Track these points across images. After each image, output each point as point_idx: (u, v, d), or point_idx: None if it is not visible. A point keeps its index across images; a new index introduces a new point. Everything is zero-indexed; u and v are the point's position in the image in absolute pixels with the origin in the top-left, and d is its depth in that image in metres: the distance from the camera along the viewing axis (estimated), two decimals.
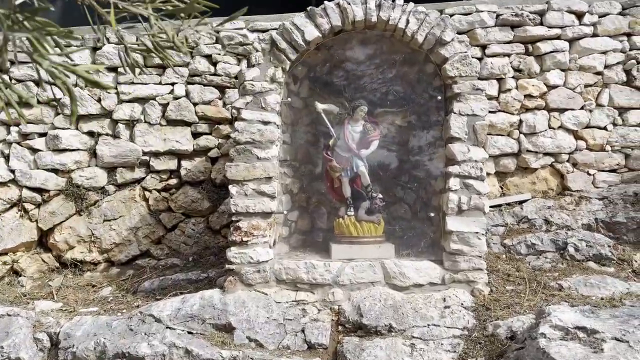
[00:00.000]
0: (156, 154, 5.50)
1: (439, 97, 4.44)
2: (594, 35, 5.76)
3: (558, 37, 5.73)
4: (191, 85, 5.53)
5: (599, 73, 5.76)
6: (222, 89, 5.55)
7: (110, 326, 3.93)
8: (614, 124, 5.79)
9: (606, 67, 5.76)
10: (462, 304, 4.05)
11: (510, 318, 3.80)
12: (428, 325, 3.86)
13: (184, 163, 5.52)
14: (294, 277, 4.20)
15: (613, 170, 5.78)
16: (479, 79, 4.31)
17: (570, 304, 4.01)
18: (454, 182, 4.25)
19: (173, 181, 5.52)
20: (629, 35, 5.80)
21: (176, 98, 5.50)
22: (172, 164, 5.51)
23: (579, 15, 5.77)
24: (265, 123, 4.24)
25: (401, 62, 4.66)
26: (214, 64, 5.56)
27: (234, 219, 4.21)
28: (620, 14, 5.80)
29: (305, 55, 4.48)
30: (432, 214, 4.42)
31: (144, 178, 5.55)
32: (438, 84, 4.53)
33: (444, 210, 4.28)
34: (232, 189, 4.21)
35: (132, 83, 5.54)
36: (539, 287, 4.35)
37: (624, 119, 5.78)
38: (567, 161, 5.75)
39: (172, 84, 5.54)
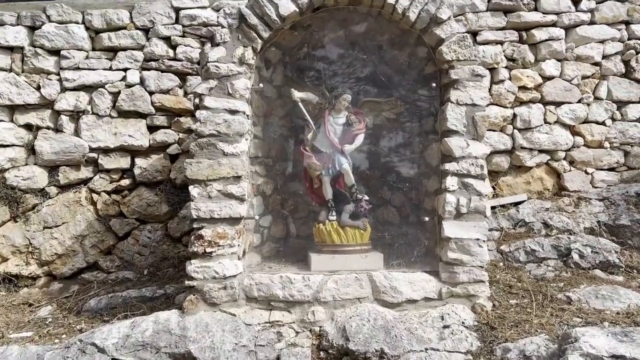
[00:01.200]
0: (106, 151, 4.77)
1: (434, 85, 3.87)
2: (592, 22, 5.32)
3: (554, 24, 5.27)
4: (147, 71, 4.82)
5: (596, 64, 5.33)
6: (182, 75, 4.86)
7: (41, 359, 3.21)
8: (613, 119, 5.36)
9: (604, 57, 5.33)
10: (463, 322, 3.49)
11: (521, 340, 3.25)
12: (426, 349, 3.28)
13: (139, 161, 4.80)
14: (267, 294, 3.56)
15: (612, 169, 5.35)
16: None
17: (585, 320, 3.50)
18: (451, 182, 3.68)
19: (126, 182, 4.80)
20: (627, 23, 5.39)
21: (129, 86, 4.78)
22: (124, 162, 4.79)
23: (576, 1, 5.33)
24: (233, 112, 3.59)
25: (390, 44, 4.08)
26: (174, 47, 4.86)
27: (195, 225, 3.54)
28: (618, 0, 5.38)
29: (280, 36, 3.85)
30: (426, 218, 3.85)
31: (91, 178, 4.81)
32: (432, 70, 3.97)
33: (440, 214, 3.72)
34: (193, 190, 3.54)
35: (78, 68, 4.79)
36: (546, 300, 3.83)
37: (622, 113, 5.36)
38: (564, 159, 5.30)
39: (125, 69, 4.82)
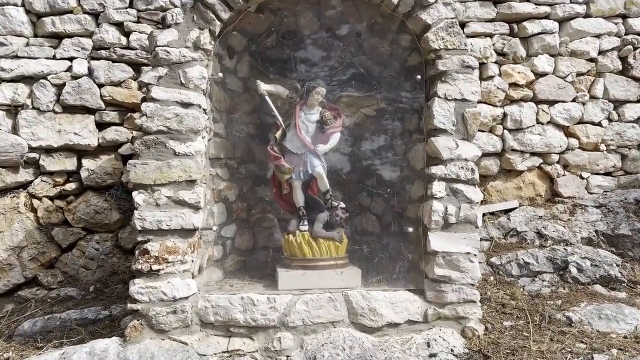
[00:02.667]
0: (48, 150, 4.20)
1: (418, 77, 3.40)
2: (587, 15, 4.93)
3: (547, 16, 4.86)
4: (96, 61, 4.27)
5: (592, 60, 4.93)
6: (137, 66, 4.32)
7: None
8: (609, 120, 4.97)
9: (600, 53, 4.93)
10: (452, 350, 3.03)
11: None
12: None
13: (86, 162, 4.24)
14: (225, 319, 3.04)
15: (608, 174, 4.96)
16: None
17: (590, 346, 3.07)
18: (438, 187, 3.22)
19: (71, 186, 4.23)
20: (624, 17, 5.00)
21: (76, 77, 4.21)
22: (69, 164, 4.22)
23: None
24: (186, 105, 3.07)
25: (369, 31, 3.61)
26: (127, 34, 4.31)
27: (139, 238, 3.02)
28: None
29: (244, 20, 3.36)
30: (409, 229, 3.37)
31: (31, 182, 4.23)
32: (416, 61, 3.51)
33: (426, 224, 3.25)
34: (138, 196, 3.01)
35: (16, 57, 4.21)
36: (544, 322, 3.39)
37: (619, 113, 4.97)
38: (558, 162, 4.88)
39: (71, 58, 4.25)
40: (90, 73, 4.23)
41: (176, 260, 3.01)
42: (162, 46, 3.05)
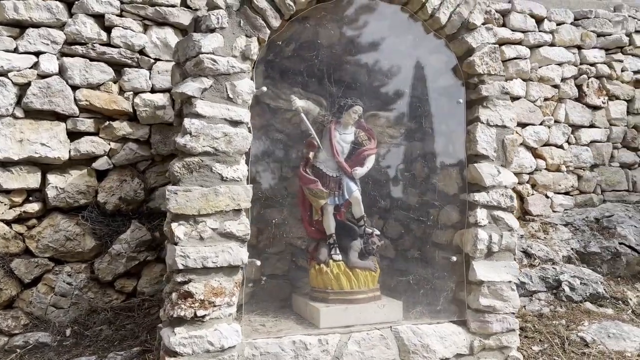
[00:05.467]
0: (5, 164, 3.41)
1: (460, 101, 3.31)
2: (552, 44, 5.25)
3: (520, 42, 5.09)
4: (69, 57, 3.56)
5: (556, 86, 5.26)
6: (119, 67, 3.69)
7: None
8: (569, 143, 5.34)
9: (562, 80, 5.28)
10: None
11: None
12: None
13: (53, 178, 3.51)
14: None
15: (567, 193, 5.32)
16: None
17: None
18: (481, 215, 3.16)
19: (33, 206, 3.49)
20: (579, 47, 5.41)
21: (43, 76, 3.46)
22: (32, 180, 3.47)
23: (539, 20, 5.22)
24: (235, 124, 2.66)
25: (406, 49, 3.44)
26: (108, 29, 3.66)
27: (179, 279, 2.54)
28: (572, 24, 5.38)
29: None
30: (454, 258, 3.25)
31: None
32: (447, 84, 3.42)
33: (468, 253, 3.17)
34: (178, 229, 2.53)
35: None
36: (565, 344, 3.50)
37: (576, 137, 5.36)
38: (527, 182, 5.13)
39: (37, 53, 3.49)
40: (62, 72, 3.51)
41: (223, 302, 2.59)
42: (208, 53, 2.60)
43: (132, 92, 3.68)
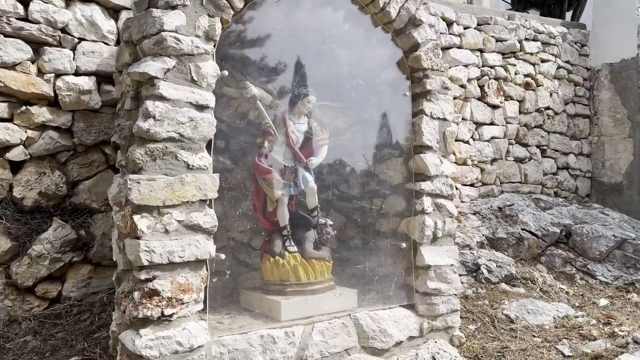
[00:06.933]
0: None
1: (407, 94, 3.43)
2: (460, 47, 5.64)
3: None
4: None
5: (463, 86, 5.66)
6: (38, 45, 3.27)
7: None
8: (473, 139, 5.78)
9: (468, 80, 5.70)
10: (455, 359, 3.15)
11: None
12: None
13: None
14: None
15: (472, 185, 5.76)
16: None
17: (544, 338, 3.55)
18: (427, 203, 3.31)
19: None
20: (481, 51, 5.88)
21: None
22: None
23: (449, 24, 5.58)
24: (201, 108, 2.50)
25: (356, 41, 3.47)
26: (25, 3, 3.22)
27: (143, 276, 2.32)
28: (476, 28, 5.84)
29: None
30: (403, 245, 3.36)
31: None
32: (391, 77, 3.53)
33: (416, 239, 3.31)
34: (141, 221, 2.32)
35: None
36: (495, 322, 3.79)
37: (479, 133, 5.82)
38: None
39: None
40: None
41: (191, 299, 2.42)
42: (171, 31, 2.41)
43: (53, 74, 3.28)
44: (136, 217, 2.31)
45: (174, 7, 2.46)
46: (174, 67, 2.43)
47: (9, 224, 3.13)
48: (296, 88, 3.19)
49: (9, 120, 3.19)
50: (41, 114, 3.25)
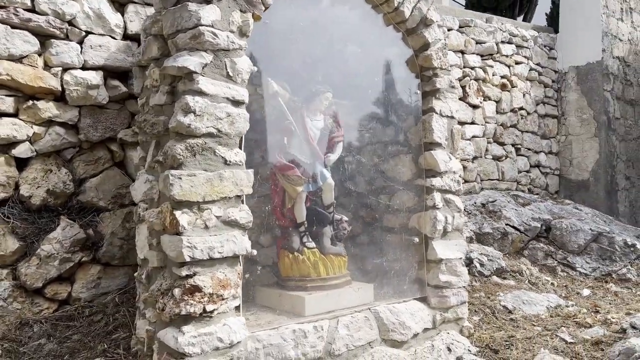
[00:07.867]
0: None
1: (417, 92, 3.52)
2: None
3: None
4: None
5: None
6: (45, 37, 3.15)
7: None
8: None
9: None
10: (469, 349, 3.27)
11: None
12: None
13: None
14: (279, 359, 2.58)
15: None
16: None
17: (545, 327, 3.73)
18: (438, 198, 3.42)
19: None
20: (462, 52, 6.08)
21: None
22: None
23: None
24: (237, 104, 2.49)
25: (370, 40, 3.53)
26: None
27: (184, 273, 2.29)
28: (458, 30, 6.03)
29: None
30: (416, 239, 3.44)
31: None
32: (399, 75, 3.61)
33: (427, 234, 3.41)
34: (183, 217, 2.29)
35: None
36: (496, 312, 3.94)
37: (462, 133, 6.01)
38: None
39: None
40: None
41: (230, 295, 2.41)
42: (208, 26, 2.39)
43: (60, 68, 3.17)
44: (177, 213, 2.28)
45: (208, 2, 2.44)
46: (211, 62, 2.41)
47: (16, 225, 3.00)
48: (313, 85, 3.21)
49: (15, 115, 3.06)
50: (48, 109, 3.14)
